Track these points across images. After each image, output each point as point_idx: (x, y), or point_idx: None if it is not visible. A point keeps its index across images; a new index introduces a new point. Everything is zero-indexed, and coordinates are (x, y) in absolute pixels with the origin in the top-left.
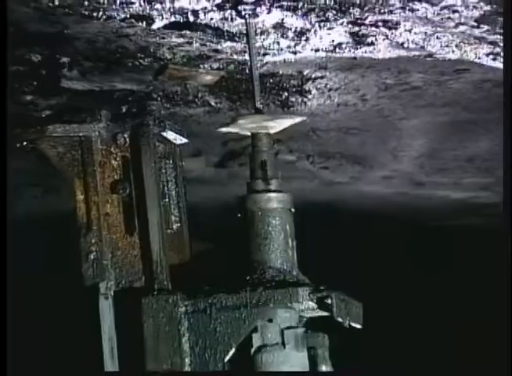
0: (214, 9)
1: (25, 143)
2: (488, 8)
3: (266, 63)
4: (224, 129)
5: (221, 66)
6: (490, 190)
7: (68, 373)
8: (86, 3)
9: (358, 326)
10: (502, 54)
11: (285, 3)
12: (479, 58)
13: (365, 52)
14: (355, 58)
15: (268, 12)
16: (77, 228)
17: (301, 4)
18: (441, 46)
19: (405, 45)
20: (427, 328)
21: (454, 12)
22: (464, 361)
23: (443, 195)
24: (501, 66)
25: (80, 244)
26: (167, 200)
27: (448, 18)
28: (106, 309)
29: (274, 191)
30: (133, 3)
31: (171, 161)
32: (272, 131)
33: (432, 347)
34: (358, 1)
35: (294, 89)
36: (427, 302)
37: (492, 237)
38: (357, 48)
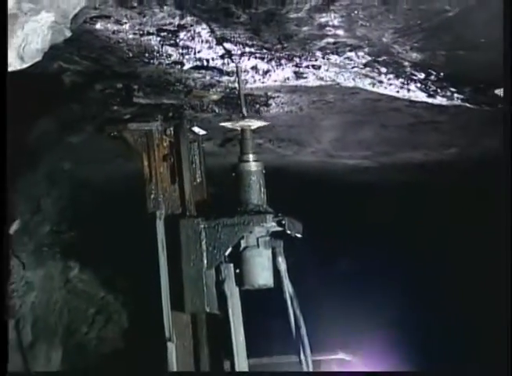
0: (218, 58)
1: (116, 133)
2: (370, 58)
3: (247, 88)
4: (224, 124)
5: (222, 90)
6: (369, 160)
7: (134, 264)
8: (147, 55)
9: (300, 235)
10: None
11: (258, 55)
12: (365, 86)
13: (302, 82)
14: (296, 86)
15: (248, 60)
16: (144, 180)
17: (265, 56)
18: (344, 79)
19: (324, 79)
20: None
21: (350, 60)
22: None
23: (345, 162)
24: (379, 91)
25: (145, 189)
26: (193, 165)
27: (348, 64)
28: (160, 226)
29: (253, 161)
30: (172, 55)
31: (196, 144)
32: (252, 128)
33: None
34: (298, 54)
35: (262, 103)
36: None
37: (369, 188)
38: (297, 80)
